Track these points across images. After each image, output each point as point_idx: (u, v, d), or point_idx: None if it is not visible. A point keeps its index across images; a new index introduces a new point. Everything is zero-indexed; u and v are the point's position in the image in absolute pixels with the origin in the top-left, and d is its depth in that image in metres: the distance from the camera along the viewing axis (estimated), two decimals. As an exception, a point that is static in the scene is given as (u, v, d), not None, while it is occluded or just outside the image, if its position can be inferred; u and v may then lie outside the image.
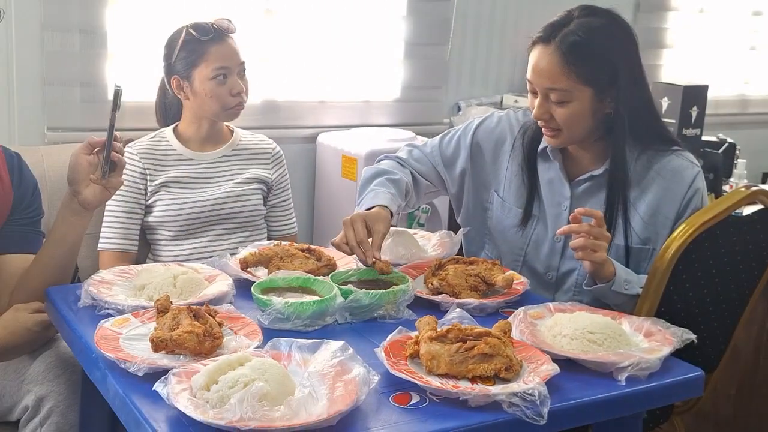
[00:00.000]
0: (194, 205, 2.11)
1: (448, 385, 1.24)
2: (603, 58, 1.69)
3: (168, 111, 2.23)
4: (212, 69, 2.06)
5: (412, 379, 1.24)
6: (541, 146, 1.85)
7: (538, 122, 1.76)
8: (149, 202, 2.11)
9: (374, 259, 1.66)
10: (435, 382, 1.24)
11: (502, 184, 1.90)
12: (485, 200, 1.94)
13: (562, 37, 1.68)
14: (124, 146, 2.13)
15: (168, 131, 2.19)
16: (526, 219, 1.85)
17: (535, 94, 1.74)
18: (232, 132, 2.24)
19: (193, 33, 2.06)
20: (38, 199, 1.80)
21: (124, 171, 2.06)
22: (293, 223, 2.31)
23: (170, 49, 2.11)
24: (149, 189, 2.11)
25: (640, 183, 1.76)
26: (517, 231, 1.86)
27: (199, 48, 2.06)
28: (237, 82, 2.09)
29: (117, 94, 1.61)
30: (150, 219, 2.12)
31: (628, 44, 1.74)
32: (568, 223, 1.66)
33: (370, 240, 1.68)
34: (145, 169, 2.10)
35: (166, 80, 2.15)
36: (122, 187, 2.03)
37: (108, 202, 2.04)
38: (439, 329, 1.33)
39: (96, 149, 1.65)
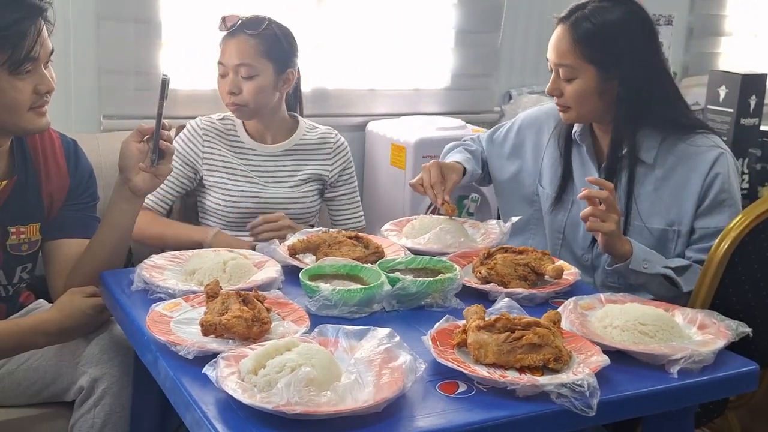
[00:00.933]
0: (250, 199, 2.12)
1: (496, 374, 1.22)
2: (608, 41, 1.77)
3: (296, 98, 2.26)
4: (217, 64, 2.08)
5: (459, 368, 1.23)
6: (573, 131, 1.92)
7: (553, 98, 1.86)
8: (204, 181, 2.13)
9: (444, 201, 1.84)
10: (482, 372, 1.23)
11: (543, 174, 1.99)
12: (531, 192, 2.01)
13: (575, 19, 1.79)
14: (175, 134, 2.16)
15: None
16: (560, 202, 1.94)
17: (551, 70, 1.85)
18: (296, 124, 2.21)
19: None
20: (93, 184, 1.83)
21: (183, 141, 2.10)
22: (361, 215, 2.28)
23: (290, 42, 2.12)
24: (203, 165, 2.12)
25: (664, 165, 1.81)
26: (555, 214, 1.95)
27: (221, 41, 2.09)
28: (230, 82, 2.05)
29: (164, 83, 1.62)
30: (207, 203, 2.13)
31: (639, 32, 1.80)
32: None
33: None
34: (204, 144, 2.11)
35: None
36: (177, 153, 2.07)
37: None
38: (486, 318, 1.32)
39: (146, 137, 1.68)
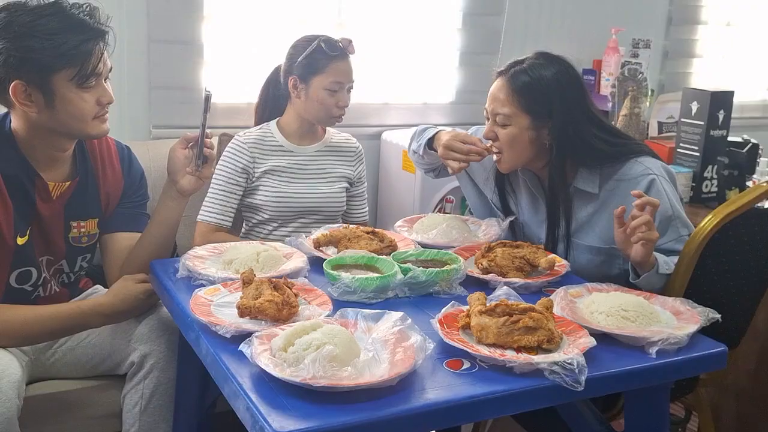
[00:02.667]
0: (291, 196, 2.11)
1: (496, 353, 1.21)
2: (542, 93, 1.72)
3: (275, 103, 2.20)
4: (330, 81, 2.05)
5: (463, 348, 1.22)
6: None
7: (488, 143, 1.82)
8: (254, 185, 2.11)
9: (485, 148, 1.81)
10: (484, 351, 1.22)
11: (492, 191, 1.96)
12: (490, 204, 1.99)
13: (513, 72, 1.75)
14: (217, 143, 2.17)
15: (272, 125, 2.17)
16: (513, 226, 1.90)
17: (488, 119, 1.80)
18: (324, 130, 2.22)
19: (323, 46, 2.05)
20: (145, 185, 1.83)
21: (232, 157, 2.10)
22: (366, 211, 2.30)
23: (296, 53, 2.09)
24: (255, 174, 2.10)
25: (605, 191, 1.74)
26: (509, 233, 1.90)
27: (323, 60, 2.05)
28: (345, 97, 2.08)
29: (207, 98, 1.63)
30: (252, 200, 2.12)
31: (570, 87, 1.74)
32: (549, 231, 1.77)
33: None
34: (252, 157, 2.10)
35: (283, 77, 2.13)
36: (228, 170, 2.07)
37: (214, 181, 2.06)
38: (488, 304, 1.31)
39: (190, 144, 1.68)
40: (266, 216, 2.12)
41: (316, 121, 2.13)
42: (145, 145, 2.24)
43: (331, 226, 1.81)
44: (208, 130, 1.67)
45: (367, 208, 2.30)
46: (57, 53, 1.48)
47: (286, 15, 2.52)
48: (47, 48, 1.47)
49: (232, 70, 2.49)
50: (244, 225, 2.18)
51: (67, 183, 1.67)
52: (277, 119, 2.18)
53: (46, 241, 1.65)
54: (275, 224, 2.13)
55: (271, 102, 2.22)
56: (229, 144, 2.14)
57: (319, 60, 2.05)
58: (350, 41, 2.09)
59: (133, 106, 2.36)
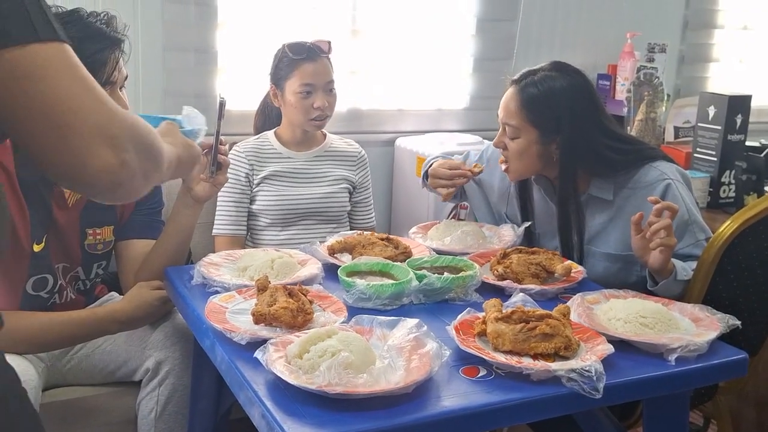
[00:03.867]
0: (291, 198, 2.13)
1: (513, 360, 1.20)
2: (549, 109, 1.70)
3: (270, 114, 2.24)
4: (298, 84, 2.06)
5: (480, 355, 1.21)
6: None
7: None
8: (254, 191, 2.13)
9: (469, 170, 1.91)
10: (501, 358, 1.21)
11: (509, 206, 1.96)
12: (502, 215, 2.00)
13: (524, 84, 1.73)
14: (229, 149, 2.18)
15: (270, 134, 2.21)
16: (528, 236, 1.87)
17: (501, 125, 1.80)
18: (324, 136, 2.25)
19: (288, 51, 2.08)
20: (159, 192, 1.84)
21: (233, 167, 2.11)
22: (372, 217, 2.31)
23: (273, 62, 2.14)
24: (254, 181, 2.13)
25: (620, 198, 1.73)
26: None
27: (292, 64, 2.08)
28: (320, 98, 2.07)
29: (222, 105, 1.64)
30: (253, 207, 2.14)
31: (581, 102, 1.72)
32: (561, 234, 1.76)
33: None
34: (251, 164, 2.12)
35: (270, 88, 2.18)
36: (232, 181, 2.08)
37: (220, 195, 2.08)
38: (504, 311, 1.30)
39: (204, 151, 1.69)
40: (268, 221, 2.13)
41: (299, 126, 2.14)
42: (159, 152, 2.25)
43: (345, 233, 1.81)
44: (222, 137, 1.68)
45: (373, 214, 2.31)
46: None
47: (300, 22, 2.53)
48: None
49: (247, 77, 2.50)
50: (248, 233, 2.20)
51: None
52: (274, 129, 2.21)
53: (62, 248, 1.66)
54: (278, 228, 2.14)
55: (266, 112, 2.25)
56: (229, 154, 2.15)
57: (287, 65, 2.08)
58: (325, 42, 2.10)
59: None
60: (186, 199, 1.70)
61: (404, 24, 2.73)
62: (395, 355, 1.18)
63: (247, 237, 2.19)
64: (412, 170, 2.64)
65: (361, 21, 2.66)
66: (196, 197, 1.69)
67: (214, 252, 2.05)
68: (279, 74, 2.10)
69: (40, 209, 1.60)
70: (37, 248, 1.61)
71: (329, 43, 2.12)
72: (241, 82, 2.50)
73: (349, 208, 2.23)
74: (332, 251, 1.69)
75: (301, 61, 2.07)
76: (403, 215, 2.72)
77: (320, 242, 1.74)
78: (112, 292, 1.88)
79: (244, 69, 2.50)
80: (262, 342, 1.21)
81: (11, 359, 1.35)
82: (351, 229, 2.22)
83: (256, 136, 2.22)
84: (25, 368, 1.49)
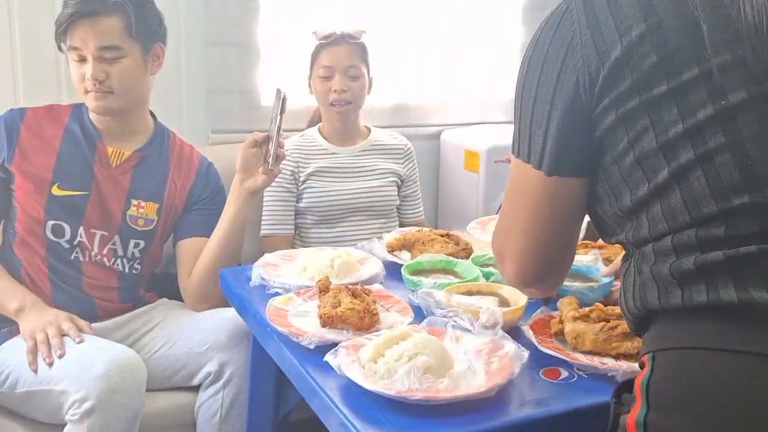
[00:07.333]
0: (338, 194, 2.11)
1: (595, 361, 1.16)
2: None
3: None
4: (319, 68, 2.08)
5: (560, 356, 1.17)
6: None
7: None
8: (301, 188, 2.12)
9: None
10: (582, 359, 1.17)
11: None
12: None
13: None
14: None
15: (313, 130, 2.20)
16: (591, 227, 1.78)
17: None
18: (369, 130, 2.23)
19: (315, 37, 2.11)
20: (223, 194, 1.84)
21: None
22: (421, 210, 2.28)
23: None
24: (300, 179, 2.12)
25: None
26: None
27: (318, 49, 2.10)
28: (337, 81, 2.06)
29: (284, 100, 1.66)
30: (300, 205, 2.12)
31: None
32: None
33: None
34: (296, 162, 2.11)
35: None
36: (278, 180, 2.06)
37: (266, 195, 2.07)
38: (580, 309, 1.25)
39: (259, 143, 1.73)
40: (316, 218, 2.11)
41: (325, 114, 2.14)
42: (203, 150, 2.23)
43: (402, 229, 1.78)
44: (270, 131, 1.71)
45: (421, 208, 2.29)
46: (58, 21, 1.63)
47: (344, 15, 2.49)
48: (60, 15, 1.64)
49: (289, 72, 2.47)
50: (296, 231, 2.17)
51: (128, 153, 1.73)
52: (318, 125, 2.20)
53: (101, 210, 1.70)
54: (327, 225, 2.12)
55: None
56: None
57: (315, 51, 2.11)
58: (355, 30, 2.10)
59: (190, 111, 2.35)
60: (240, 191, 1.73)
61: (450, 14, 2.69)
62: (473, 357, 1.14)
63: (295, 235, 2.17)
64: (459, 163, 2.60)
65: (406, 12, 2.62)
66: (251, 189, 1.72)
67: (261, 253, 2.04)
68: (310, 62, 2.13)
69: (78, 160, 1.70)
70: (57, 192, 1.66)
71: (361, 30, 2.11)
72: (283, 77, 2.47)
73: (398, 202, 2.20)
74: (391, 249, 1.66)
75: (325, 45, 2.08)
76: (450, 209, 2.68)
77: (377, 239, 1.70)
78: (163, 298, 1.86)
79: (287, 64, 2.47)
80: (329, 346, 1.18)
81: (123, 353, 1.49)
82: (400, 225, 2.19)
83: (300, 133, 2.20)
84: (138, 361, 1.54)
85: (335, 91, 2.07)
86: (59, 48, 1.69)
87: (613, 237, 0.95)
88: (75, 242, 1.69)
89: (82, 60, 1.65)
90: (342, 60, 2.07)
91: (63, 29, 1.63)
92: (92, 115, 1.73)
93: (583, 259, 1.51)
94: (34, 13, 2.07)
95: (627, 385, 0.86)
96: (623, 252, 1.54)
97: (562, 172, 0.91)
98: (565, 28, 0.89)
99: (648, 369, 0.81)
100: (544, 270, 0.98)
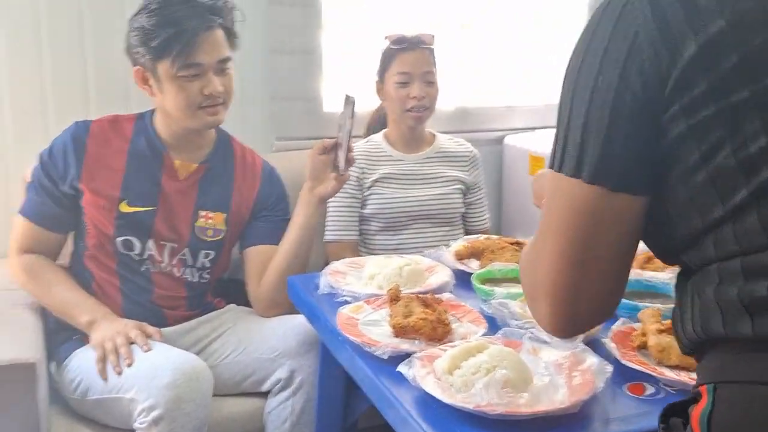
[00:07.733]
0: (403, 201, 2.09)
1: (683, 376, 1.11)
2: None
3: (383, 117, 2.22)
4: (395, 73, 2.06)
5: (645, 370, 1.12)
6: None
7: None
8: (366, 194, 2.10)
9: None
10: (669, 374, 1.12)
11: None
12: None
13: None
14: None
15: (378, 136, 2.19)
16: None
17: None
18: (434, 137, 2.20)
19: (389, 43, 2.08)
20: (286, 204, 1.84)
21: None
22: (487, 218, 2.25)
23: (380, 58, 2.13)
24: (365, 185, 2.10)
25: None
26: None
27: (392, 54, 2.08)
28: (416, 88, 2.04)
29: (353, 104, 1.65)
30: (364, 211, 2.11)
31: None
32: None
33: None
34: (361, 168, 2.10)
35: None
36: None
37: (331, 201, 2.05)
38: (663, 321, 1.20)
39: (328, 150, 1.73)
40: (380, 225, 2.10)
41: (399, 120, 2.11)
42: (267, 158, 2.24)
43: (470, 237, 1.75)
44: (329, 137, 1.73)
45: (487, 215, 2.25)
46: (151, 45, 1.60)
47: (408, 20, 2.48)
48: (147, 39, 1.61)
49: (349, 78, 2.47)
50: (361, 236, 2.16)
51: (195, 165, 1.73)
52: (383, 131, 2.18)
53: (170, 222, 1.70)
54: (391, 232, 2.10)
55: (383, 114, 2.23)
56: None
57: (388, 56, 2.08)
58: (428, 35, 2.08)
59: (254, 119, 2.37)
60: (309, 197, 1.73)
61: (513, 16, 2.65)
62: (554, 371, 1.11)
63: (359, 243, 2.16)
64: (524, 168, 2.55)
65: (469, 15, 2.59)
66: (321, 195, 1.72)
67: (324, 259, 2.04)
68: (382, 67, 2.11)
69: (145, 175, 1.70)
70: (126, 209, 1.67)
71: (432, 36, 2.10)
72: (345, 84, 2.47)
73: (462, 210, 2.18)
74: (459, 257, 1.63)
75: (400, 51, 2.06)
76: (514, 216, 2.63)
77: (445, 247, 1.68)
78: (231, 305, 1.86)
79: (349, 70, 2.47)
80: (402, 356, 1.16)
81: (190, 361, 1.53)
82: (465, 233, 2.16)
83: (365, 140, 2.19)
84: (204, 367, 1.55)
85: (414, 97, 2.05)
86: (173, 72, 1.61)
87: (672, 258, 0.84)
88: (145, 255, 1.70)
89: (195, 77, 1.62)
90: (420, 66, 2.06)
91: (182, 51, 1.58)
92: (160, 127, 1.73)
93: (659, 276, 1.45)
94: (106, 25, 2.10)
95: (675, 408, 0.78)
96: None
97: (624, 188, 0.78)
98: (627, 22, 0.77)
99: (708, 402, 0.73)
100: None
